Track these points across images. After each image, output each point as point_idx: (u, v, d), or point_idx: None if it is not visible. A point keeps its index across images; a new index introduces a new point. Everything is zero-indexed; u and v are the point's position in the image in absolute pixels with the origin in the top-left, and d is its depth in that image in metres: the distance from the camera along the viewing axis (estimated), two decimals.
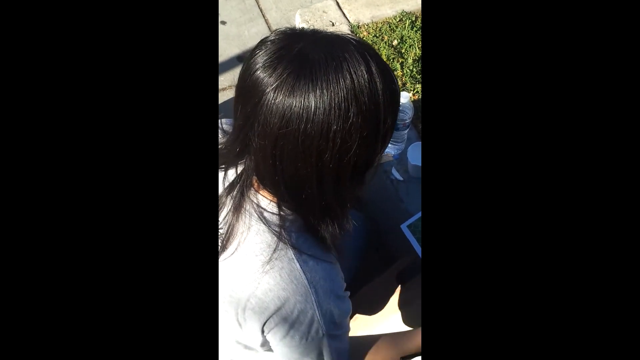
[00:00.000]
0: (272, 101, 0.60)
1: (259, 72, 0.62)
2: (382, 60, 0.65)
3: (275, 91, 0.60)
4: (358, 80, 0.61)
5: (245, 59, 0.66)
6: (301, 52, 0.61)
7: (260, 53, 0.64)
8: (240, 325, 0.74)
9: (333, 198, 0.68)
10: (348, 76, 0.60)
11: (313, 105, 0.59)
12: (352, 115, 0.60)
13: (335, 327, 0.73)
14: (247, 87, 0.63)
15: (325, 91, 0.59)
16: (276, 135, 0.62)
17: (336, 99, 0.59)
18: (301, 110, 0.60)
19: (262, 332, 0.73)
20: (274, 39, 0.65)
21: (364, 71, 0.61)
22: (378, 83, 0.62)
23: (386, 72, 0.64)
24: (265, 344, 0.76)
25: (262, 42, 0.65)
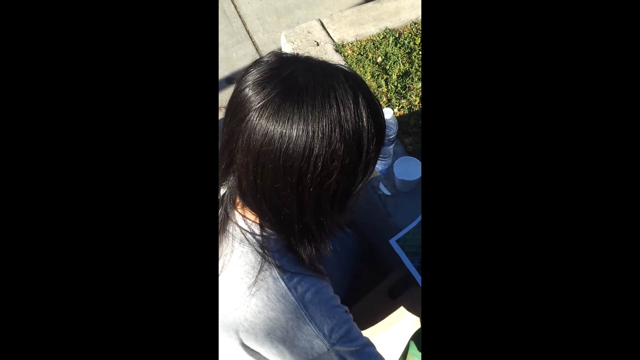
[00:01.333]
0: (257, 119, 0.62)
1: (247, 89, 0.64)
2: (372, 93, 0.67)
3: (261, 109, 0.62)
4: (344, 109, 0.62)
5: (239, 76, 0.68)
6: (291, 76, 0.63)
7: (253, 71, 0.66)
8: (244, 348, 0.74)
9: (312, 221, 0.69)
10: (335, 104, 0.62)
11: (296, 127, 0.61)
12: (334, 142, 0.62)
13: (341, 340, 0.71)
14: (236, 102, 0.65)
15: (310, 115, 0.61)
16: (258, 153, 0.63)
17: (320, 125, 0.61)
18: (284, 131, 0.61)
19: (270, 357, 0.73)
20: (267, 60, 0.67)
21: (350, 101, 0.63)
22: (364, 115, 0.64)
23: (373, 105, 0.66)
24: None
25: (257, 62, 0.68)
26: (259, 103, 0.62)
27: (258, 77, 0.64)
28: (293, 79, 0.63)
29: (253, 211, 0.72)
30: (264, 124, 0.62)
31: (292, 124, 0.61)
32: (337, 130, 0.62)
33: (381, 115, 0.68)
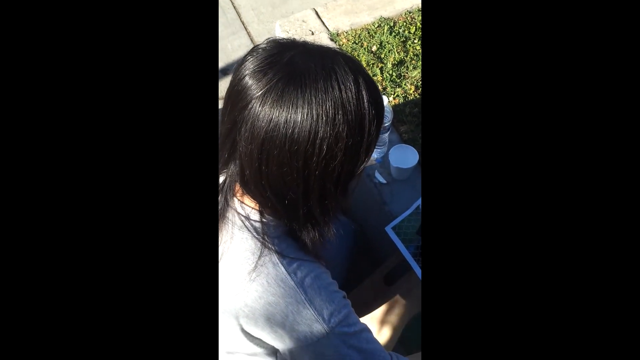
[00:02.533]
0: (260, 106, 0.63)
1: (248, 77, 0.65)
2: (369, 74, 0.68)
3: (264, 96, 0.62)
4: (346, 91, 0.63)
5: (236, 65, 0.68)
6: (292, 61, 0.64)
7: (251, 59, 0.66)
8: (244, 334, 0.75)
9: (316, 205, 0.70)
10: (336, 86, 0.63)
11: (300, 112, 0.62)
12: (338, 123, 0.63)
13: (340, 325, 0.72)
14: (236, 91, 0.66)
15: (313, 99, 0.62)
16: (262, 139, 0.64)
17: (323, 107, 0.62)
18: (289, 116, 0.62)
19: (270, 341, 0.74)
20: (265, 47, 0.67)
21: (351, 83, 0.64)
22: (364, 96, 0.65)
23: (372, 87, 0.67)
24: (268, 349, 0.77)
25: (254, 49, 0.68)
26: (260, 90, 0.63)
27: (257, 65, 0.65)
28: (293, 64, 0.64)
29: (254, 198, 0.73)
30: (267, 111, 0.62)
31: (297, 109, 0.62)
32: (340, 112, 0.63)
33: (380, 96, 0.69)
